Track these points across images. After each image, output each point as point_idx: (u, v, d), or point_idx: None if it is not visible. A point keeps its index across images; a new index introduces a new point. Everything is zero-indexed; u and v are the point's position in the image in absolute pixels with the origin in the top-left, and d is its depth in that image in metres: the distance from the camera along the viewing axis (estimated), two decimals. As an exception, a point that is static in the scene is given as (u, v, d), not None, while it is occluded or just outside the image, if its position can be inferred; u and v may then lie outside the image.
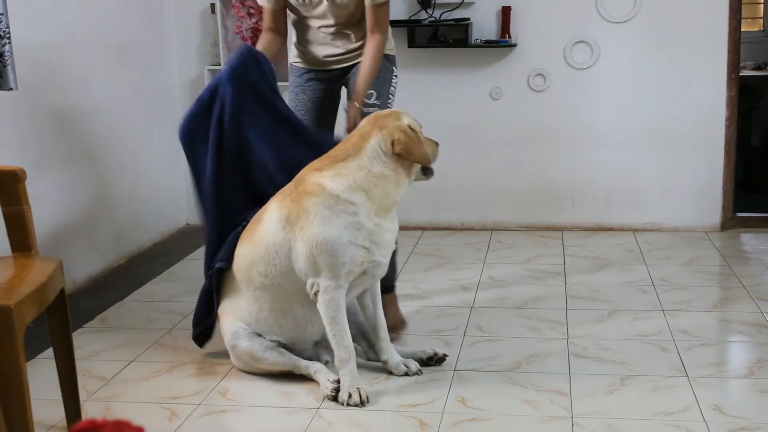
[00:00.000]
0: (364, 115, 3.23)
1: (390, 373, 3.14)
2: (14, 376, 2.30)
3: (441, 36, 5.00)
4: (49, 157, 3.92)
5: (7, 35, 3.23)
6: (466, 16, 4.98)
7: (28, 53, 3.67)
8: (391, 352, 3.16)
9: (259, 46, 3.43)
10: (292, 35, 3.60)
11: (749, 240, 4.91)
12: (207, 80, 5.08)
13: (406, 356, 3.19)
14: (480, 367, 3.21)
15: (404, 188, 3.04)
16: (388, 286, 3.51)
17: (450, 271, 4.42)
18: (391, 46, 3.53)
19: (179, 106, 5.15)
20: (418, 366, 3.15)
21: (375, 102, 3.38)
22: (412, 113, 3.09)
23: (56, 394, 2.78)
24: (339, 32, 3.45)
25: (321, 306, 2.95)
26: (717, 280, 4.31)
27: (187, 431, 2.79)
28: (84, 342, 3.51)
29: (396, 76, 3.53)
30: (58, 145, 4.01)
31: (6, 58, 3.23)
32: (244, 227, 3.16)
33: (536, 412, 2.84)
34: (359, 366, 3.04)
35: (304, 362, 3.09)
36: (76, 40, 4.13)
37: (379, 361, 3.18)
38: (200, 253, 3.62)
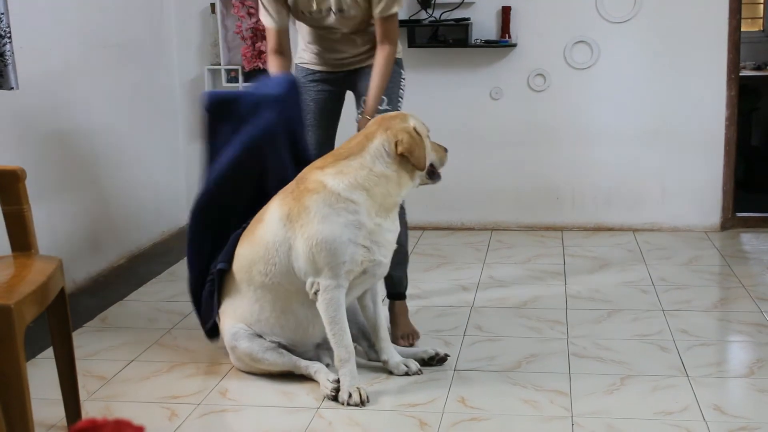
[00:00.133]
0: None
1: (390, 372, 3.14)
2: (14, 376, 2.30)
3: (441, 36, 5.00)
4: (49, 157, 3.91)
5: (8, 35, 3.23)
6: (466, 16, 4.98)
7: (28, 53, 3.67)
8: (391, 352, 3.16)
9: (273, 71, 3.40)
10: (296, 35, 3.60)
11: (749, 240, 4.91)
12: (207, 80, 5.10)
13: (407, 356, 3.19)
14: (480, 367, 3.21)
15: (407, 190, 3.03)
16: (399, 292, 3.51)
17: (450, 271, 4.42)
18: (399, 50, 3.52)
19: (179, 106, 5.16)
20: (419, 366, 3.15)
21: (386, 108, 3.36)
22: (414, 114, 3.09)
23: (56, 394, 2.78)
24: (345, 37, 3.44)
25: (321, 305, 2.95)
26: (717, 280, 4.31)
27: (187, 431, 2.79)
28: (84, 342, 3.51)
29: (404, 78, 3.52)
30: (58, 144, 4.01)
31: (7, 57, 3.23)
32: (244, 229, 3.16)
33: (536, 412, 2.84)
34: (359, 366, 3.04)
35: (304, 362, 3.08)
36: (76, 40, 4.13)
37: (379, 361, 3.18)
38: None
